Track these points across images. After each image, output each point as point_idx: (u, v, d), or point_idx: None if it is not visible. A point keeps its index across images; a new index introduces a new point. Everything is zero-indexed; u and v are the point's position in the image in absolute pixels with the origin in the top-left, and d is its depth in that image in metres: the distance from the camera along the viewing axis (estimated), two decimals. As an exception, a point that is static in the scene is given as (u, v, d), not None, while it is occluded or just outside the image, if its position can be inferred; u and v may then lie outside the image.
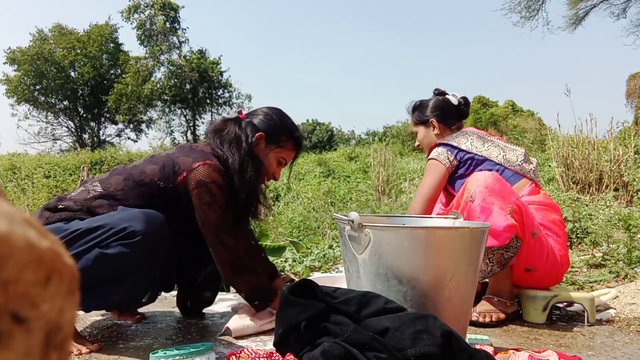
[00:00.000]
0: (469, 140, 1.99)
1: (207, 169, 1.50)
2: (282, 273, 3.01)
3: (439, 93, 2.25)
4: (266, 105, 1.76)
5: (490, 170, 1.83)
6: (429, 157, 2.04)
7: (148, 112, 24.49)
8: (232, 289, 2.74)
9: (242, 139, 1.62)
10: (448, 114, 2.17)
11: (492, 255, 1.66)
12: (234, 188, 1.58)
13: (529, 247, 1.68)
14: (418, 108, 2.23)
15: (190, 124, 25.23)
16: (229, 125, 1.66)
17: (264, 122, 1.66)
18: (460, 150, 1.96)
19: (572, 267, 2.67)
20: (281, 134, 1.67)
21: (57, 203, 1.45)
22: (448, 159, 1.97)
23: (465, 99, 2.22)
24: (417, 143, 2.28)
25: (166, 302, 2.07)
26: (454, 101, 2.19)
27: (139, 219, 1.32)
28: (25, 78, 22.34)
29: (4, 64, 22.51)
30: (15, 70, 22.50)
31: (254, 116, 1.69)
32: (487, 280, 2.12)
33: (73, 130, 24.97)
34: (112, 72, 24.60)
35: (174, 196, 1.52)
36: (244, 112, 1.73)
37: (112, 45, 24.26)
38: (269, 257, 2.90)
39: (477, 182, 1.67)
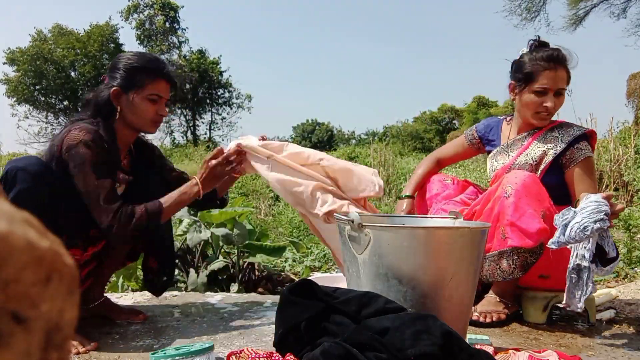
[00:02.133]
0: None
1: (73, 132, 1.47)
2: (283, 273, 3.02)
3: (546, 43, 1.86)
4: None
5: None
6: (588, 155, 1.76)
7: (148, 112, 24.49)
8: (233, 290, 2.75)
9: (99, 104, 1.59)
10: None
11: (517, 257, 1.62)
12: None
13: (548, 254, 1.65)
14: (567, 63, 1.81)
15: (190, 124, 25.25)
16: (95, 94, 1.63)
17: (117, 76, 1.60)
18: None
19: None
20: (133, 76, 1.59)
21: None
22: None
23: None
24: (552, 104, 1.77)
25: (166, 302, 2.07)
26: None
27: (11, 161, 1.40)
28: (25, 78, 22.34)
29: (4, 64, 22.53)
30: (15, 71, 22.51)
31: (110, 76, 1.63)
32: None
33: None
34: (112, 71, 24.60)
35: (63, 174, 1.50)
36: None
37: (112, 45, 24.27)
38: (269, 256, 2.91)
39: (516, 179, 1.63)
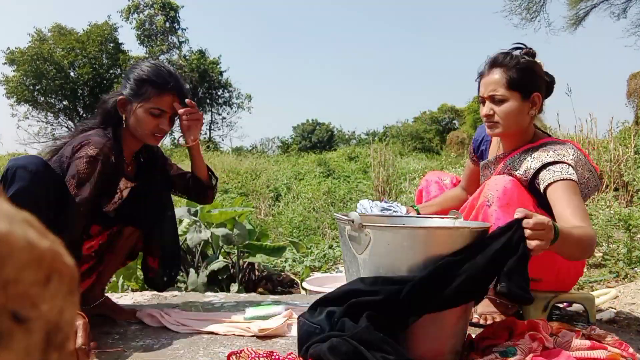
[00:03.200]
0: (580, 164, 1.62)
1: (82, 148, 1.49)
2: (283, 273, 3.02)
3: (531, 54, 1.65)
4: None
5: None
6: (563, 177, 1.50)
7: (148, 112, 24.50)
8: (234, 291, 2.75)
9: (108, 112, 1.61)
10: (543, 91, 1.65)
11: None
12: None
13: (537, 259, 1.64)
14: (512, 66, 1.58)
15: (190, 124, 25.19)
16: (104, 101, 1.66)
17: (127, 85, 1.61)
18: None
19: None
20: (141, 86, 1.58)
21: None
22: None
23: (552, 76, 1.69)
24: (489, 111, 1.61)
25: (166, 302, 2.06)
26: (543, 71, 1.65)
27: (12, 159, 1.40)
28: (25, 78, 22.33)
29: (4, 64, 22.52)
30: (14, 71, 22.50)
31: (122, 84, 1.65)
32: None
33: (73, 130, 24.96)
34: (111, 72, 24.59)
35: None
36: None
37: (111, 45, 24.26)
38: (269, 256, 2.91)
39: (496, 186, 1.57)
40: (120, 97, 1.59)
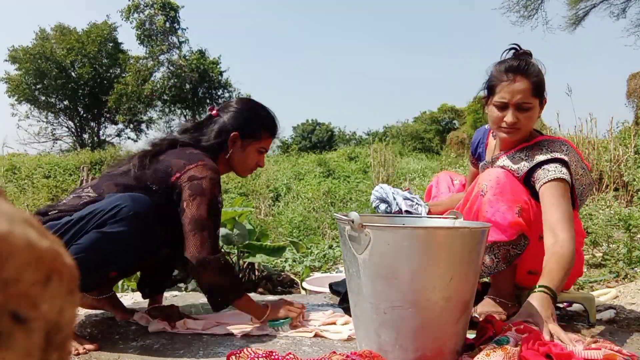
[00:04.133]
0: (574, 162, 1.66)
1: (200, 168, 1.52)
2: (282, 273, 3.02)
3: (528, 53, 1.68)
4: (236, 98, 1.81)
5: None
6: (556, 177, 1.57)
7: (148, 112, 24.49)
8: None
9: (211, 140, 1.67)
10: None
11: (498, 251, 1.63)
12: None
13: (534, 250, 1.66)
14: (533, 73, 1.60)
15: (190, 124, 25.20)
16: (204, 127, 1.71)
17: (237, 120, 1.69)
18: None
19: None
20: (255, 126, 1.71)
21: (48, 209, 1.46)
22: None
23: None
24: (515, 119, 1.60)
25: (166, 302, 2.06)
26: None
27: (127, 198, 1.38)
28: (27, 77, 22.34)
29: (6, 61, 22.52)
30: (16, 69, 22.51)
31: (225, 113, 1.71)
32: (487, 280, 2.12)
33: (73, 130, 24.95)
34: (111, 71, 24.60)
35: (164, 198, 1.52)
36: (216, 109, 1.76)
37: (111, 44, 24.26)
38: (269, 256, 2.91)
39: (490, 177, 1.63)
40: (234, 133, 1.67)
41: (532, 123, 1.65)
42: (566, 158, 1.60)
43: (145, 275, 1.83)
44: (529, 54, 1.67)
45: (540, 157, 1.61)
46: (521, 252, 1.64)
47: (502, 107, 1.63)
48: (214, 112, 1.74)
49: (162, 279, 1.87)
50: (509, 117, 1.62)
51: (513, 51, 1.71)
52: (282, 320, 1.60)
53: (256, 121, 1.72)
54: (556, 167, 1.59)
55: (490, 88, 1.67)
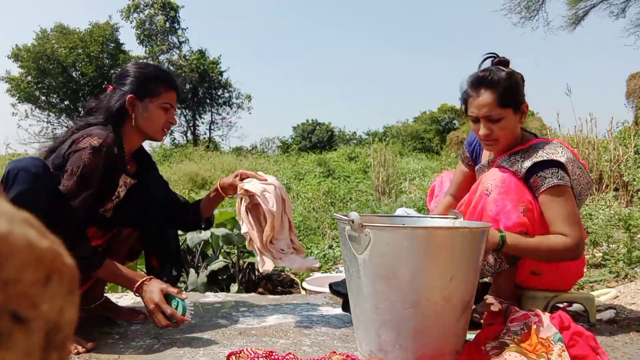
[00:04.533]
0: (570, 163, 1.64)
1: (84, 139, 1.48)
2: (283, 273, 3.02)
3: (505, 62, 1.66)
4: (126, 65, 1.74)
5: None
6: (554, 184, 1.56)
7: (148, 112, 24.50)
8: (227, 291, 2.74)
9: (110, 110, 1.60)
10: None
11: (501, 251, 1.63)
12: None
13: None
14: (499, 83, 1.59)
15: (190, 124, 25.24)
16: (101, 101, 1.65)
17: (129, 84, 1.63)
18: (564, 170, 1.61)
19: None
20: (150, 84, 1.64)
21: None
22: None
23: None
24: (487, 131, 1.61)
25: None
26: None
27: (11, 163, 1.39)
28: (28, 76, 22.35)
29: (9, 58, 22.51)
30: (18, 67, 22.52)
31: (119, 83, 1.65)
32: (487, 280, 2.12)
33: (69, 128, 24.96)
34: (112, 71, 24.59)
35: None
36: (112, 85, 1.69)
37: (112, 45, 24.27)
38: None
39: (494, 176, 1.63)
40: (130, 95, 1.60)
41: (509, 132, 1.64)
42: (563, 159, 1.59)
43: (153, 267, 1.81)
44: (503, 62, 1.66)
45: (537, 158, 1.60)
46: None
47: (475, 120, 1.65)
48: (110, 87, 1.68)
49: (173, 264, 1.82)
50: (481, 130, 1.63)
51: (490, 59, 1.69)
52: (180, 304, 1.47)
53: (147, 78, 1.64)
54: (552, 172, 1.58)
55: (464, 102, 1.68)
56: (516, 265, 1.69)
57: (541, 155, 1.60)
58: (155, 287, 1.49)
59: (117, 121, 1.61)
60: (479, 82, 1.60)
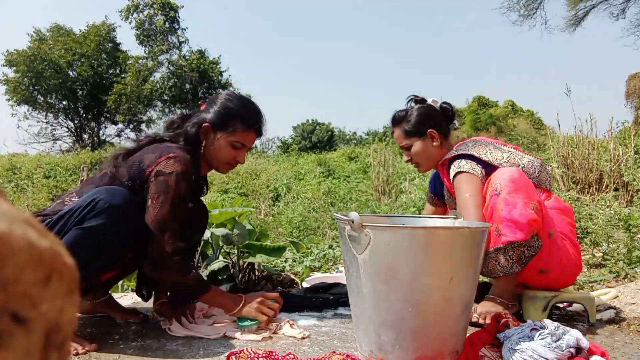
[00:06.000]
0: (487, 150, 1.84)
1: (168, 161, 1.48)
2: (282, 273, 3.01)
3: (420, 100, 2.05)
4: (226, 91, 1.76)
5: None
6: (457, 170, 1.82)
7: (148, 112, 24.49)
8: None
9: (189, 133, 1.63)
10: (441, 122, 2.01)
11: (513, 252, 1.64)
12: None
13: (544, 248, 1.67)
14: (405, 118, 2.01)
15: (190, 124, 25.20)
16: (187, 120, 1.68)
17: (212, 112, 1.65)
18: (481, 161, 1.81)
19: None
20: (229, 119, 1.63)
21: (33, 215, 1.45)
22: (480, 171, 1.80)
23: (448, 103, 2.06)
24: (407, 157, 2.06)
25: (166, 302, 2.06)
26: (437, 107, 2.04)
27: (102, 191, 1.37)
28: (24, 79, 22.31)
29: (3, 66, 22.50)
30: (14, 72, 22.48)
31: (209, 106, 1.68)
32: (487, 280, 2.12)
33: (73, 130, 24.92)
34: (110, 71, 24.57)
35: (142, 193, 1.51)
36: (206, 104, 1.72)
37: (109, 44, 24.25)
38: (269, 256, 2.91)
39: (503, 176, 1.67)
40: (205, 124, 1.62)
41: (422, 155, 2.01)
42: (473, 152, 1.82)
43: (142, 277, 1.82)
44: (419, 101, 2.04)
45: (448, 156, 1.92)
46: (535, 254, 1.65)
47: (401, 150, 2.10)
48: (203, 106, 1.71)
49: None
50: (404, 157, 2.10)
51: (411, 100, 2.06)
52: (250, 322, 1.56)
53: (227, 111, 1.64)
54: (454, 164, 1.86)
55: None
56: (527, 265, 1.69)
57: (450, 154, 1.91)
58: (253, 299, 1.61)
59: (194, 145, 1.63)
60: (391, 121, 2.07)
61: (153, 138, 1.64)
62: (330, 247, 3.60)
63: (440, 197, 2.21)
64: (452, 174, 1.86)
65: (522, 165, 1.82)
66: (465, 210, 1.72)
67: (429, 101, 2.04)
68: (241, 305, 1.58)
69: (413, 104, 2.04)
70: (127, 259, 1.67)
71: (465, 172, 1.80)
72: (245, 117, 1.65)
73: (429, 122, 1.98)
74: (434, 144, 1.98)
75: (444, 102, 2.06)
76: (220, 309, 1.65)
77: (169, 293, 1.76)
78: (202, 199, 1.90)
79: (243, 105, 1.67)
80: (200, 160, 1.67)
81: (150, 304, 2.03)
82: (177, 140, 1.63)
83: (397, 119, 2.03)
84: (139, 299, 2.10)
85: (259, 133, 1.70)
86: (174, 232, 1.47)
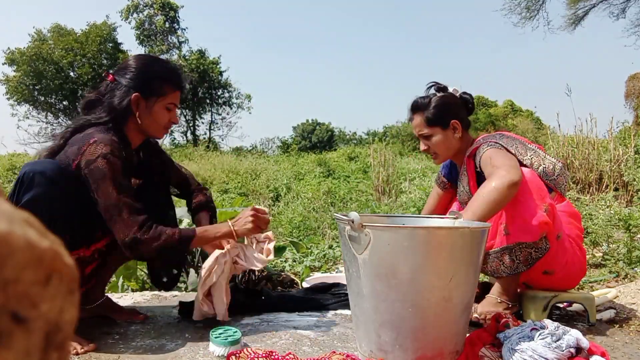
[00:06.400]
0: (514, 144, 1.79)
1: (90, 147, 1.46)
2: (282, 273, 3.01)
3: (442, 88, 1.93)
4: (131, 56, 1.70)
5: None
6: (486, 147, 1.75)
7: (148, 112, 24.48)
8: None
9: (114, 108, 1.58)
10: (462, 113, 1.92)
11: (520, 253, 1.64)
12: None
13: (551, 250, 1.67)
14: (427, 106, 1.88)
15: (190, 124, 25.24)
16: (106, 95, 1.62)
17: (136, 80, 1.60)
18: (509, 153, 1.75)
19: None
20: (156, 83, 1.61)
21: None
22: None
23: (469, 94, 1.97)
24: (425, 146, 1.92)
25: (166, 302, 2.06)
26: (458, 97, 1.94)
27: (24, 166, 1.39)
28: (25, 78, 22.32)
29: (3, 64, 22.51)
30: (14, 71, 22.49)
31: (122, 76, 1.62)
32: (487, 280, 2.12)
33: (65, 127, 24.94)
34: (111, 71, 24.55)
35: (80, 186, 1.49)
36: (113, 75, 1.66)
37: (110, 45, 24.26)
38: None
39: None
40: (135, 94, 1.58)
41: (442, 146, 1.90)
42: (501, 143, 1.76)
43: (152, 265, 1.81)
44: (441, 88, 1.92)
45: (475, 146, 1.83)
46: (542, 256, 1.65)
47: (418, 138, 1.96)
48: (110, 77, 1.65)
49: (176, 262, 1.84)
50: (420, 145, 1.95)
51: (433, 86, 1.94)
52: (229, 339, 1.43)
53: (156, 76, 1.61)
54: (482, 147, 1.77)
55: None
56: (532, 266, 1.68)
57: (480, 141, 1.83)
58: (245, 214, 1.61)
59: (121, 119, 1.59)
60: (412, 107, 1.94)
61: (76, 127, 1.59)
62: (330, 247, 3.60)
63: (454, 183, 2.11)
64: (481, 153, 1.76)
65: (544, 166, 1.77)
66: (500, 172, 1.58)
67: (450, 90, 1.94)
68: (236, 222, 1.59)
69: (435, 92, 1.93)
70: (97, 239, 1.63)
71: (495, 148, 1.74)
72: (171, 78, 1.64)
73: (451, 112, 1.89)
74: (456, 135, 1.89)
75: (464, 92, 1.96)
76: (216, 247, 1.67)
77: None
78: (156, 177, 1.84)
79: (163, 67, 1.65)
80: (129, 133, 1.63)
81: (150, 303, 2.03)
82: (102, 119, 1.58)
83: (419, 106, 1.90)
84: (139, 299, 2.10)
85: (183, 91, 1.70)
86: (129, 206, 1.45)
